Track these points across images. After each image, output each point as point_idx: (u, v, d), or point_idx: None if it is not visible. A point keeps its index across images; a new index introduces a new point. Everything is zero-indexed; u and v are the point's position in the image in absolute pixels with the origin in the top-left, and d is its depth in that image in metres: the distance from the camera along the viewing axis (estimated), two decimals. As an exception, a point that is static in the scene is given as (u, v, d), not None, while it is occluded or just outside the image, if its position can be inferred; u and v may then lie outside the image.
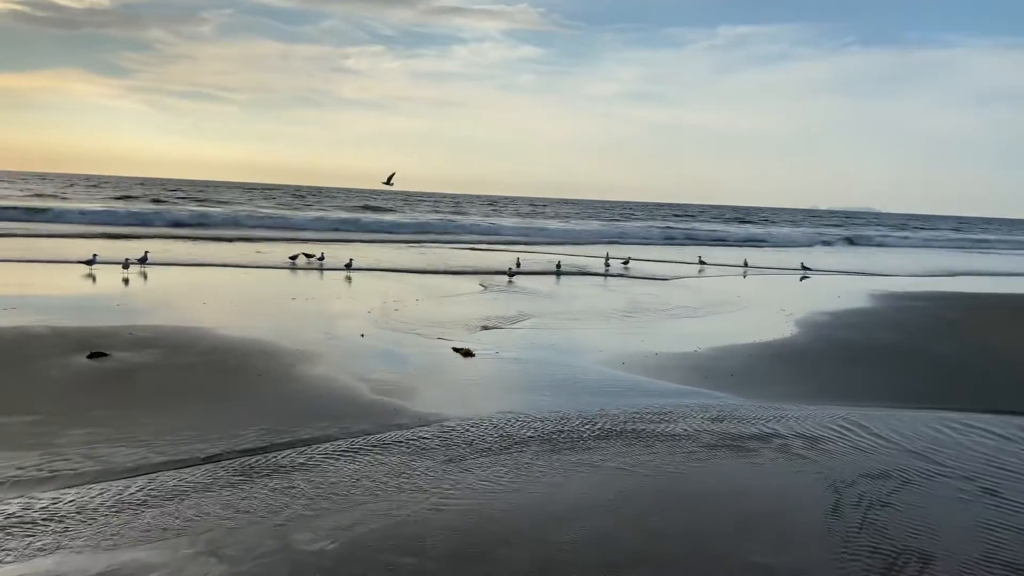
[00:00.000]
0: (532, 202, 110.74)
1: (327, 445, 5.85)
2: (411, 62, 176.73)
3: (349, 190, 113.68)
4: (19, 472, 5.13)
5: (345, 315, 12.09)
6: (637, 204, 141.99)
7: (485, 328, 11.23)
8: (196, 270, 18.35)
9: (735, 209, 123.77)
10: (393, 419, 6.60)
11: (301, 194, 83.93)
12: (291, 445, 5.86)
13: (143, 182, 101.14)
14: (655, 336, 11.40)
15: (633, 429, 6.37)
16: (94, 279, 15.44)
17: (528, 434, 6.20)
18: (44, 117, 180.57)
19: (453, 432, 6.21)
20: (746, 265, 25.90)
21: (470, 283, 17.59)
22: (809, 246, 46.51)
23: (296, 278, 17.55)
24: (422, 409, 6.94)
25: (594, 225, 51.42)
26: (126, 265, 17.08)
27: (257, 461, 5.46)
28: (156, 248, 21.40)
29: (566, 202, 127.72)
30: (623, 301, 15.28)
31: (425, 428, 6.35)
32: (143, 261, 17.92)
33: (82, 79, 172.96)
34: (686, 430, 6.39)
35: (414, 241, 32.60)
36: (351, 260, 19.64)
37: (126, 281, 15.36)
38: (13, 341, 8.91)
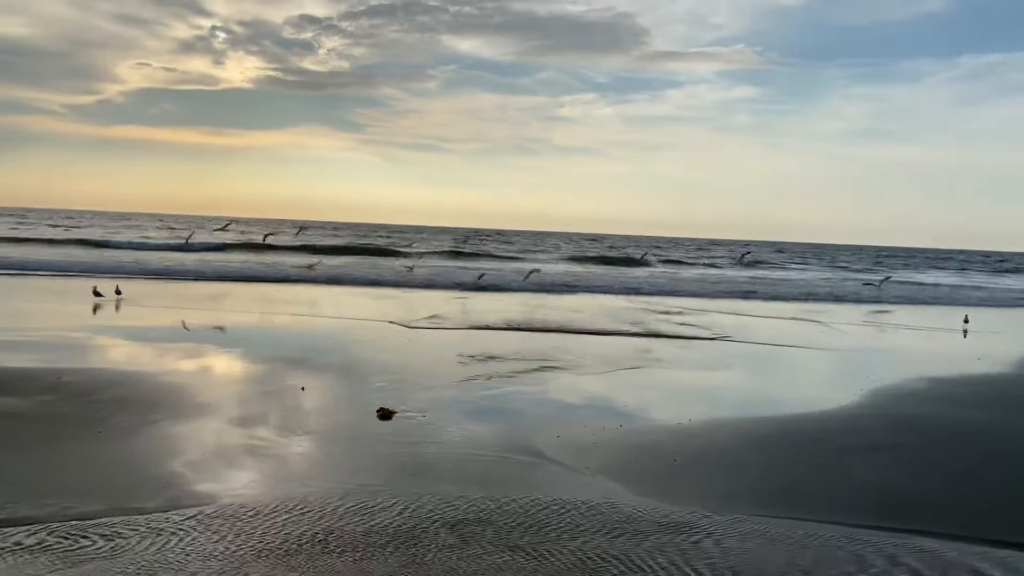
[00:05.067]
0: (746, 244, 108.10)
1: (6, 531, 4.71)
2: (624, 107, 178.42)
3: (564, 234, 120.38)
4: None
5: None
6: (874, 248, 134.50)
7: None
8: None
9: (984, 255, 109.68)
10: (151, 498, 5.37)
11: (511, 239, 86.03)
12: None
13: (377, 228, 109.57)
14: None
15: None
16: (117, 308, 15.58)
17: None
18: (293, 169, 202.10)
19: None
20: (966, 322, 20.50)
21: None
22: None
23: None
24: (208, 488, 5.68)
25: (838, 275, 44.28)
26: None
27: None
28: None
29: (779, 244, 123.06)
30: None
31: (188, 510, 5.09)
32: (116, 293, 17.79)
33: (324, 134, 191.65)
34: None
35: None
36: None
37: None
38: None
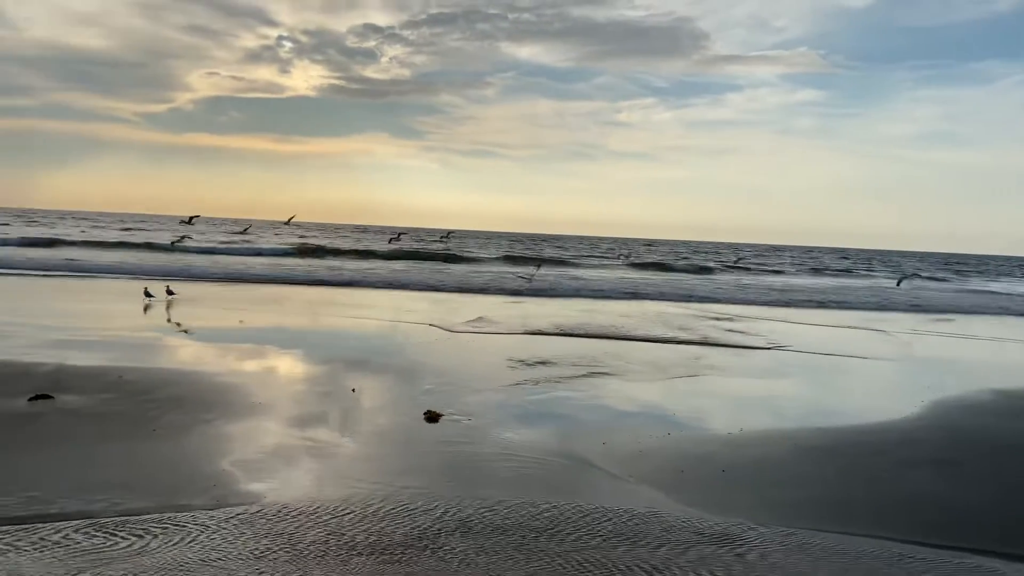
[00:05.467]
0: (809, 251, 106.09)
1: (59, 525, 4.88)
2: (683, 112, 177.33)
3: (619, 239, 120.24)
4: None
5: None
6: (943, 255, 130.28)
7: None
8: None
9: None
10: (198, 495, 5.49)
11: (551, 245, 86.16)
12: (22, 521, 4.92)
13: (435, 233, 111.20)
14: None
15: None
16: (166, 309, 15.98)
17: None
18: (357, 176, 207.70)
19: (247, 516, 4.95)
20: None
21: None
22: None
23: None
24: (259, 486, 5.77)
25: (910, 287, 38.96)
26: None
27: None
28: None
29: (843, 251, 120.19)
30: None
31: (233, 508, 5.19)
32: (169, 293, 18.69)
33: (386, 142, 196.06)
34: None
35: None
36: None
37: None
38: None
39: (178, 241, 35.58)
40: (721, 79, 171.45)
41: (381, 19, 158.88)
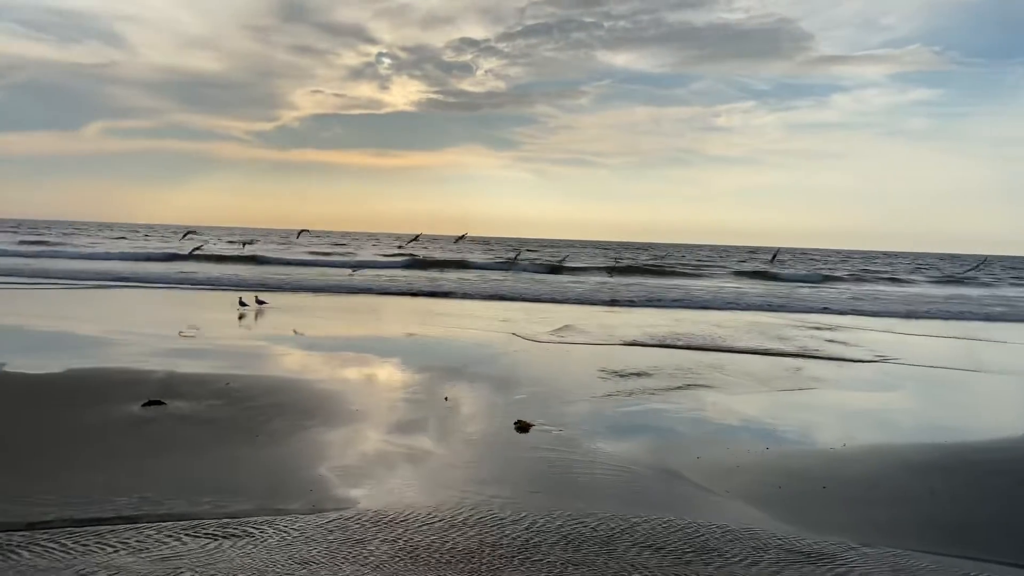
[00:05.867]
0: (917, 256, 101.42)
1: (165, 525, 5.12)
2: (785, 115, 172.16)
3: (719, 247, 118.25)
4: None
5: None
6: None
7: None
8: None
9: None
10: (295, 500, 5.67)
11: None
12: (132, 520, 5.20)
13: (528, 242, 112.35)
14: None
15: None
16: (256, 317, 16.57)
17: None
18: (453, 188, 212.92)
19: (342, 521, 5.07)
20: None
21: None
22: None
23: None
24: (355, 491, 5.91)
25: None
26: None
27: (54, 535, 4.88)
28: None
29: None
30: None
31: (327, 513, 5.34)
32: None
33: (481, 153, 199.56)
34: None
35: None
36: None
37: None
38: (103, 380, 9.53)
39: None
40: (826, 80, 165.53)
41: (477, 33, 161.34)
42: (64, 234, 76.88)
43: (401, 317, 20.09)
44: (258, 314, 18.55)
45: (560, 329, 17.31)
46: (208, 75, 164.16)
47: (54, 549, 4.68)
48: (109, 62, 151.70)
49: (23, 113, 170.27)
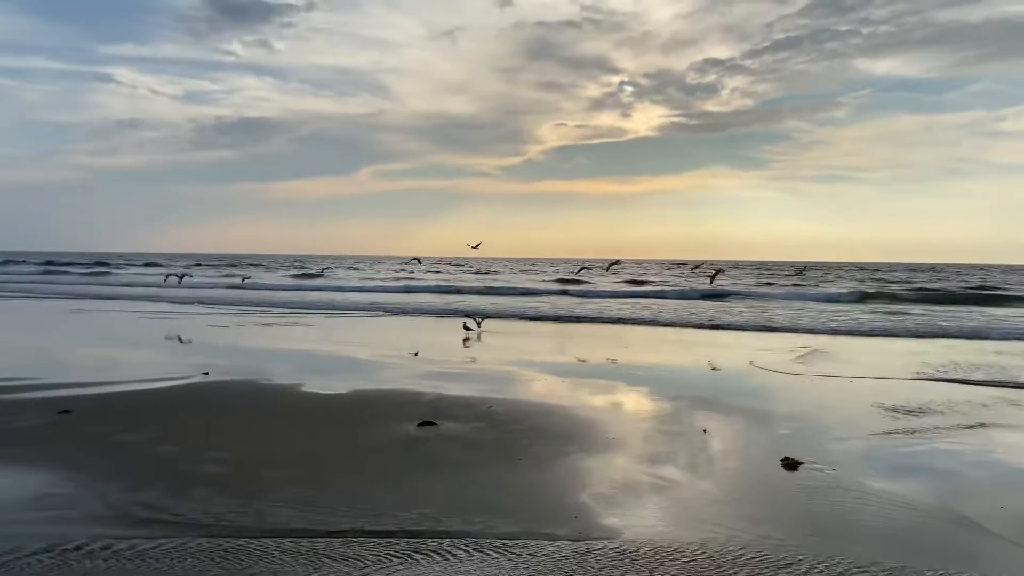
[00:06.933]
0: None
1: (444, 541, 5.40)
2: None
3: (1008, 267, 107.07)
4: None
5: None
6: None
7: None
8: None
9: None
10: (561, 525, 5.74)
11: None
12: (415, 535, 5.55)
13: (783, 265, 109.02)
14: None
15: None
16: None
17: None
18: (697, 211, 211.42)
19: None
20: None
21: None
22: None
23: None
24: (618, 522, 5.88)
25: None
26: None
27: (345, 544, 5.32)
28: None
29: None
30: None
31: (594, 542, 5.37)
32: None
33: (726, 174, 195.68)
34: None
35: None
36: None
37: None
38: (382, 400, 10.36)
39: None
40: None
41: (721, 52, 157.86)
42: (334, 267, 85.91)
43: (628, 344, 19.94)
44: (479, 336, 20.03)
45: (803, 357, 16.20)
46: (462, 117, 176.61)
47: (350, 557, 5.14)
48: (378, 111, 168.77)
49: (308, 162, 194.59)
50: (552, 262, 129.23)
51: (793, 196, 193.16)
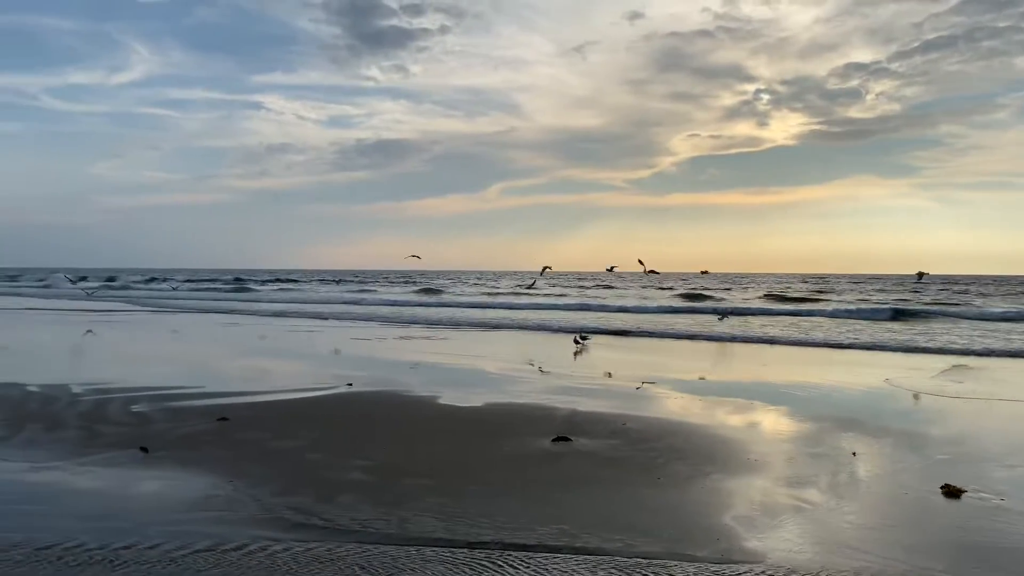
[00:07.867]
0: None
1: (583, 558, 5.37)
2: None
3: None
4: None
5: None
6: None
7: None
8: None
9: None
10: (702, 547, 5.59)
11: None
12: (554, 550, 5.55)
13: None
14: None
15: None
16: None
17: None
18: (839, 222, 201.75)
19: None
20: None
21: None
22: None
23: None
24: (757, 548, 5.66)
25: None
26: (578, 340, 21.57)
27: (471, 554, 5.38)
28: None
29: None
30: None
31: (738, 566, 5.21)
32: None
33: (872, 183, 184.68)
34: None
35: None
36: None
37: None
38: (516, 414, 10.45)
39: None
40: None
41: (865, 56, 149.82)
42: (456, 282, 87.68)
43: (758, 363, 19.19)
44: (584, 351, 20.29)
45: (953, 377, 15.06)
46: (590, 131, 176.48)
47: (491, 568, 5.21)
48: (508, 129, 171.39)
49: (440, 180, 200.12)
50: (683, 276, 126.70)
51: (947, 205, 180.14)
